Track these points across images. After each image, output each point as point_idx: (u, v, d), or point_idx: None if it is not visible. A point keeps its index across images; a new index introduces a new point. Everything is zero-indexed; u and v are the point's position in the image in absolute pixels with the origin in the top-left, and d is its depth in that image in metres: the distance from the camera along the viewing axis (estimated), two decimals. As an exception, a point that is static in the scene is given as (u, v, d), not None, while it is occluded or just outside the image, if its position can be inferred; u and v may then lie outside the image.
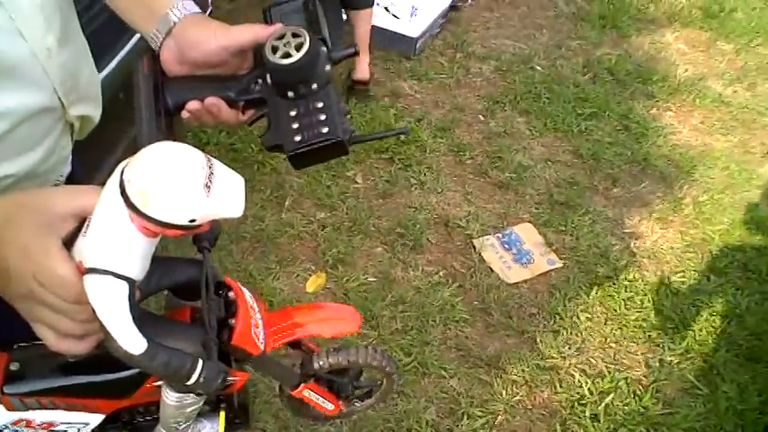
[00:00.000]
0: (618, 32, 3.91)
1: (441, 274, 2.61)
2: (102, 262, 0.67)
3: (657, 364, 2.46)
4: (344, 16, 3.35)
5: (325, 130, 0.82)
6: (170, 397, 0.87)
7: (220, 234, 0.90)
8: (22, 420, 0.89)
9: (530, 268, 2.67)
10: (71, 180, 1.05)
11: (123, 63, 1.74)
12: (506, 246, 2.73)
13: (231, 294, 0.87)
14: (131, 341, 0.68)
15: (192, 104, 0.86)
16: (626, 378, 2.40)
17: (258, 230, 2.63)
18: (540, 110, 3.34)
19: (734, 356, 2.52)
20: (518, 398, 2.30)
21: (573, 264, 2.72)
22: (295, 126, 0.83)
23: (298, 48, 0.81)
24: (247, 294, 0.89)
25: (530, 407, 2.29)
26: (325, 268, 2.55)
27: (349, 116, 0.86)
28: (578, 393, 2.34)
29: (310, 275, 2.52)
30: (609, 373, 2.41)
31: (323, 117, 0.83)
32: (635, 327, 2.56)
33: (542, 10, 3.98)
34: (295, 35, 0.82)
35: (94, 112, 1.03)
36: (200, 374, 0.71)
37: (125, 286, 0.67)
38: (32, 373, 0.88)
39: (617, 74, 3.62)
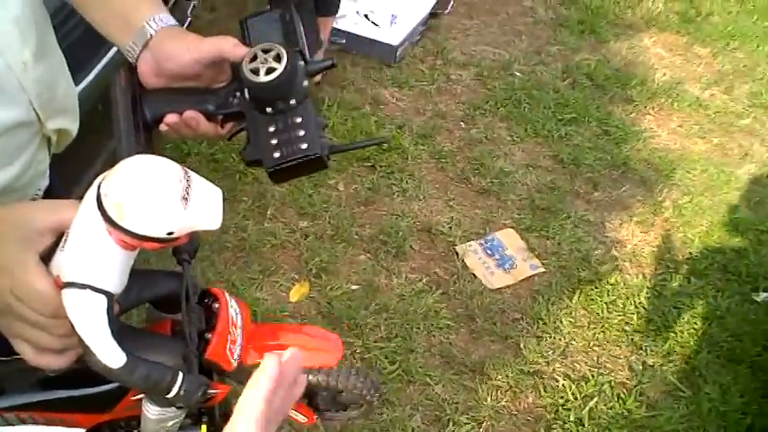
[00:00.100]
0: (596, 38, 3.95)
1: (424, 281, 2.61)
2: (80, 276, 0.67)
3: (640, 367, 2.48)
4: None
5: (304, 146, 0.82)
6: (151, 411, 0.87)
7: (202, 245, 0.90)
8: (2, 436, 0.88)
9: (512, 274, 2.68)
10: (49, 194, 1.04)
11: (101, 76, 1.73)
12: (489, 252, 2.75)
13: (216, 306, 0.87)
14: (110, 355, 0.68)
15: (171, 118, 0.86)
16: (609, 381, 2.42)
17: (240, 240, 2.62)
18: (520, 116, 3.36)
19: (715, 358, 2.55)
20: (503, 403, 2.31)
21: (555, 268, 2.73)
22: (274, 142, 0.83)
23: (276, 60, 0.81)
24: (233, 306, 0.89)
25: (515, 412, 2.30)
26: (309, 277, 2.55)
27: (327, 128, 0.86)
28: (562, 398, 2.35)
29: (294, 285, 2.52)
30: (592, 376, 2.42)
31: (301, 133, 0.83)
32: (617, 330, 2.57)
33: (521, 16, 4.01)
34: (266, 51, 0.82)
35: (72, 125, 1.03)
36: (180, 387, 0.71)
37: (103, 300, 0.67)
38: (11, 387, 0.88)
39: (596, 79, 3.65)
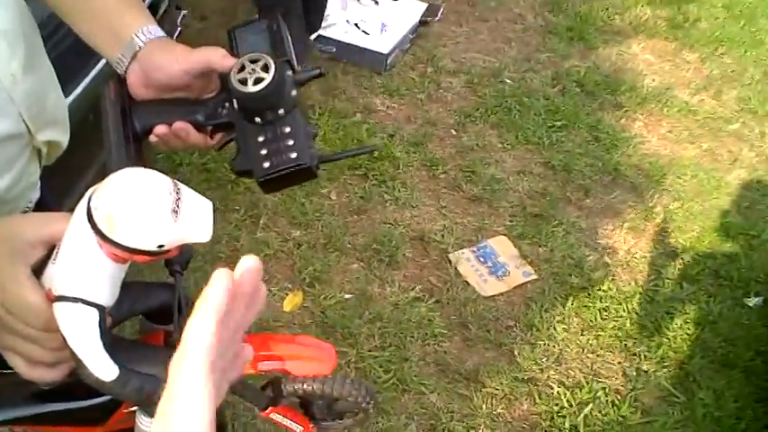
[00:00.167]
0: (585, 44, 3.97)
1: (417, 289, 2.61)
2: (72, 289, 0.66)
3: (634, 373, 2.48)
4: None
5: (294, 155, 0.82)
6: (144, 423, 0.86)
7: (195, 255, 0.89)
8: (-6, 450, 0.88)
9: (505, 281, 2.68)
10: (40, 206, 1.03)
11: (90, 87, 1.73)
12: (482, 259, 2.75)
13: None
14: (103, 368, 0.67)
15: (160, 129, 0.86)
16: (604, 388, 2.42)
17: (233, 250, 2.61)
18: (511, 123, 3.37)
19: (709, 363, 2.55)
20: (498, 411, 2.30)
21: (548, 275, 2.74)
22: (263, 152, 0.83)
23: (264, 70, 0.81)
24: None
25: (510, 420, 2.29)
26: (302, 287, 2.54)
27: (316, 137, 0.86)
28: (557, 405, 2.35)
29: (287, 294, 2.51)
30: (587, 383, 2.42)
31: (290, 142, 0.83)
32: (611, 336, 2.58)
33: (510, 23, 4.03)
34: (254, 61, 0.82)
35: (62, 137, 1.02)
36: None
37: (95, 313, 0.67)
38: (4, 401, 0.87)
39: (586, 85, 3.67)
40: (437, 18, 3.88)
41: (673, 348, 2.57)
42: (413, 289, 2.60)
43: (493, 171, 3.12)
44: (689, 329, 2.64)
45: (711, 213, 3.13)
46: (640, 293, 2.73)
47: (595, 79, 3.71)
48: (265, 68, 0.82)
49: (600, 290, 2.71)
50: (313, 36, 3.46)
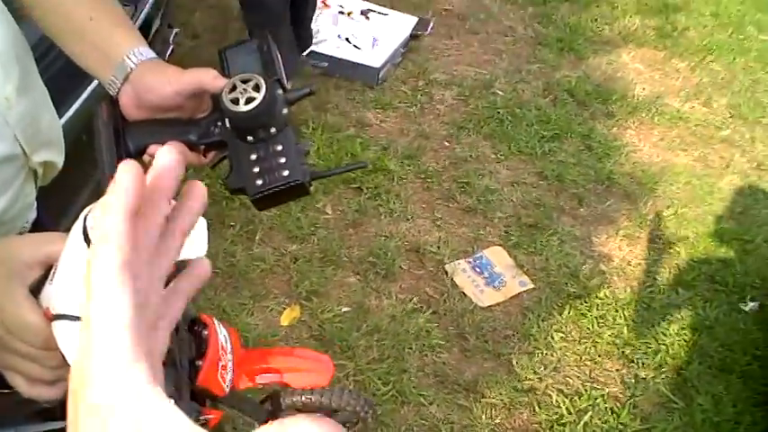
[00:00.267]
0: (575, 55, 4.00)
1: (414, 300, 2.61)
2: (69, 308, 0.67)
3: (633, 380, 2.48)
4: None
5: (286, 173, 0.83)
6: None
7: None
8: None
9: (502, 291, 2.69)
10: (37, 226, 1.04)
11: (83, 108, 1.74)
12: (478, 270, 2.75)
13: (205, 333, 0.87)
14: (102, 386, 0.67)
15: (154, 149, 0.87)
16: (603, 395, 2.42)
17: (230, 266, 2.61)
18: (503, 134, 3.39)
19: (707, 368, 2.56)
20: (498, 421, 2.30)
21: (544, 284, 2.74)
22: (256, 170, 0.84)
23: (255, 89, 0.82)
24: (222, 333, 0.89)
25: (510, 430, 2.29)
26: (299, 301, 2.55)
27: (308, 154, 0.87)
28: (557, 413, 2.35)
29: (284, 309, 2.51)
30: (586, 391, 2.42)
31: (283, 160, 0.84)
32: (608, 344, 2.58)
33: (501, 35, 4.06)
34: (245, 81, 0.83)
35: (57, 157, 1.03)
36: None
37: (93, 331, 0.67)
38: (6, 420, 0.87)
39: (577, 95, 3.69)
40: (428, 32, 3.91)
41: (670, 354, 2.58)
42: (410, 301, 2.61)
43: (487, 182, 3.14)
44: (686, 335, 2.65)
45: (705, 219, 3.14)
46: (637, 300, 2.74)
47: (586, 89, 3.74)
48: (256, 88, 0.83)
49: (596, 298, 2.72)
50: (305, 52, 3.48)
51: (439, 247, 2.81)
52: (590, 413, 2.36)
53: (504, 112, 3.49)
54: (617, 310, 2.69)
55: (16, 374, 0.71)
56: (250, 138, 0.85)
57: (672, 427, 2.35)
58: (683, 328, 2.67)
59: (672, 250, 2.97)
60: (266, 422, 1.04)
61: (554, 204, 3.09)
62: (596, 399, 2.40)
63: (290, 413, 1.08)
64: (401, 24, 3.77)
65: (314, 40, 3.54)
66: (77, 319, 0.67)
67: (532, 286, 2.73)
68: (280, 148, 0.85)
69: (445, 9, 4.15)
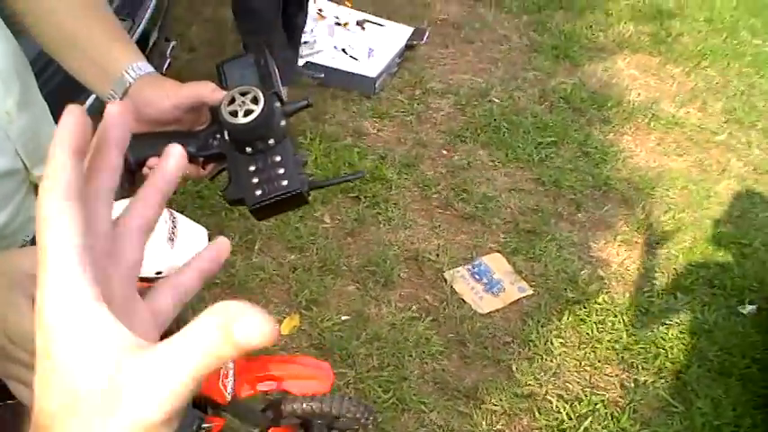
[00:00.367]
0: (571, 62, 4.02)
1: (414, 308, 2.62)
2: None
3: (632, 385, 2.49)
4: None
5: (285, 182, 0.85)
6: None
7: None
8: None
9: (501, 297, 2.70)
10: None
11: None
12: (477, 276, 2.76)
13: None
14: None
15: (153, 161, 0.88)
16: (603, 400, 2.43)
17: (229, 276, 2.62)
18: (500, 141, 3.40)
19: (706, 372, 2.56)
20: (498, 427, 2.31)
21: (543, 290, 2.75)
22: (255, 180, 0.85)
23: (253, 102, 0.84)
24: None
25: (510, 436, 2.30)
26: (299, 310, 2.56)
27: (306, 165, 0.88)
28: (557, 419, 2.35)
29: (284, 318, 2.52)
30: (586, 396, 2.43)
31: (281, 171, 0.85)
32: (608, 349, 2.59)
33: (496, 44, 4.08)
34: (244, 93, 0.85)
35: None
36: (174, 423, 0.72)
37: (95, 341, 0.68)
38: (11, 430, 0.88)
39: (573, 102, 3.71)
40: (423, 41, 3.93)
41: (669, 359, 2.58)
42: (409, 308, 2.62)
43: (484, 189, 3.15)
44: (685, 339, 2.65)
45: (702, 223, 3.16)
46: (635, 305, 2.75)
47: (582, 96, 3.76)
48: (255, 101, 0.84)
49: (595, 303, 2.73)
50: (301, 62, 3.50)
51: (438, 255, 2.82)
52: (590, 418, 2.36)
53: (501, 120, 3.51)
54: (616, 315, 2.70)
55: (20, 384, 0.72)
56: (249, 149, 0.87)
57: (672, 431, 2.36)
58: (681, 333, 2.68)
59: (670, 255, 2.99)
60: (267, 430, 1.05)
61: (552, 210, 3.11)
62: (596, 404, 2.41)
63: (292, 420, 1.08)
64: (397, 34, 3.79)
65: (310, 51, 3.56)
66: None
67: (531, 292, 2.74)
68: (278, 158, 0.86)
69: (440, 19, 4.17)
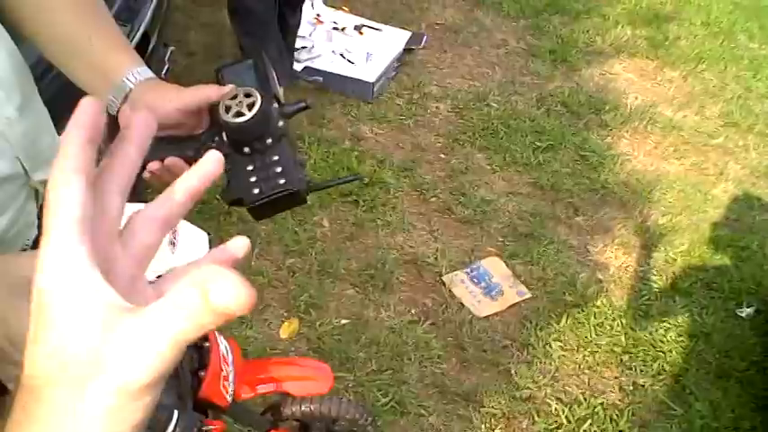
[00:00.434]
0: (568, 66, 4.03)
1: (413, 312, 2.62)
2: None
3: (631, 388, 2.49)
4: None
5: (282, 181, 0.85)
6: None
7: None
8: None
9: (500, 301, 2.71)
10: (38, 245, 1.05)
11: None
12: (475, 280, 2.77)
13: (206, 345, 0.89)
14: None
15: (153, 165, 0.89)
16: (601, 403, 2.43)
17: (228, 281, 2.62)
18: (498, 145, 3.41)
19: (704, 374, 2.57)
20: (497, 430, 2.31)
21: (541, 294, 2.76)
22: (253, 179, 0.86)
23: (250, 106, 0.85)
24: (222, 345, 0.90)
25: (509, 439, 2.30)
26: (298, 314, 2.56)
27: (304, 165, 0.89)
28: (556, 422, 2.36)
29: (283, 322, 2.52)
30: (584, 399, 2.43)
31: (279, 169, 0.86)
32: (606, 352, 2.59)
33: (494, 48, 4.09)
34: (247, 95, 0.86)
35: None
36: (175, 426, 0.72)
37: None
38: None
39: (570, 106, 3.72)
40: (421, 45, 3.94)
41: (668, 361, 2.59)
42: (408, 312, 2.62)
43: (482, 193, 3.16)
44: (683, 342, 2.66)
45: (700, 227, 3.16)
46: (634, 308, 2.75)
47: (580, 100, 3.77)
48: (251, 102, 0.85)
49: (594, 306, 2.73)
50: (300, 67, 3.51)
51: (436, 259, 2.83)
52: (589, 421, 2.37)
53: (499, 124, 3.52)
54: (614, 319, 2.70)
55: None
56: (246, 149, 0.87)
57: (671, 433, 2.36)
58: (680, 335, 2.68)
59: (668, 258, 2.99)
60: (267, 432, 1.05)
61: (550, 214, 3.11)
62: (595, 407, 2.41)
63: (292, 423, 1.09)
64: (395, 39, 3.80)
65: (308, 56, 3.57)
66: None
67: (530, 296, 2.74)
68: (276, 158, 0.87)
69: (438, 23, 4.18)
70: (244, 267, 2.68)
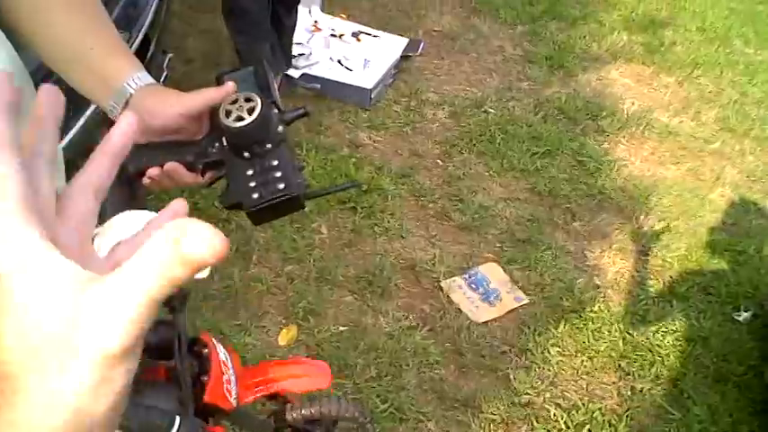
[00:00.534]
0: (565, 72, 4.05)
1: (411, 318, 2.63)
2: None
3: (629, 392, 2.50)
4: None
5: (281, 186, 0.86)
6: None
7: (189, 293, 0.92)
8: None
9: (498, 306, 2.71)
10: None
11: (83, 132, 1.76)
12: (473, 286, 2.77)
13: (205, 351, 0.89)
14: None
15: (153, 171, 0.89)
16: (600, 408, 2.43)
17: (227, 287, 2.63)
18: (495, 151, 3.42)
19: (702, 379, 2.58)
20: (496, 436, 2.31)
21: (539, 299, 2.76)
22: (252, 184, 0.87)
23: (250, 111, 0.85)
24: (221, 351, 0.91)
25: (508, 444, 2.30)
26: (296, 320, 2.56)
27: (303, 170, 0.90)
28: (555, 427, 2.36)
29: (282, 329, 2.52)
30: (583, 404, 2.44)
31: (278, 174, 0.86)
32: (605, 357, 2.60)
33: (491, 55, 4.11)
34: (247, 99, 0.86)
35: (58, 182, 1.05)
36: (177, 431, 0.72)
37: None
38: None
39: (567, 112, 3.73)
40: (418, 52, 3.95)
41: (666, 366, 2.59)
42: (406, 318, 2.62)
43: (480, 199, 3.17)
44: (681, 346, 2.67)
45: (697, 231, 3.17)
46: (631, 313, 2.76)
47: (577, 105, 3.78)
48: (251, 106, 0.86)
49: (591, 311, 2.74)
50: (297, 74, 3.52)
51: (434, 265, 2.83)
52: (588, 426, 2.37)
53: (496, 130, 3.53)
54: (612, 324, 2.71)
55: None
56: (246, 154, 0.88)
57: (669, 438, 2.37)
58: (677, 340, 2.69)
59: (665, 262, 3.00)
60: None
61: (547, 220, 3.12)
62: (594, 412, 2.42)
63: (294, 428, 1.09)
64: (392, 46, 3.82)
65: (306, 62, 3.58)
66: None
67: (528, 301, 2.75)
68: (275, 163, 0.87)
69: (435, 30, 4.20)
70: (242, 274, 2.68)
